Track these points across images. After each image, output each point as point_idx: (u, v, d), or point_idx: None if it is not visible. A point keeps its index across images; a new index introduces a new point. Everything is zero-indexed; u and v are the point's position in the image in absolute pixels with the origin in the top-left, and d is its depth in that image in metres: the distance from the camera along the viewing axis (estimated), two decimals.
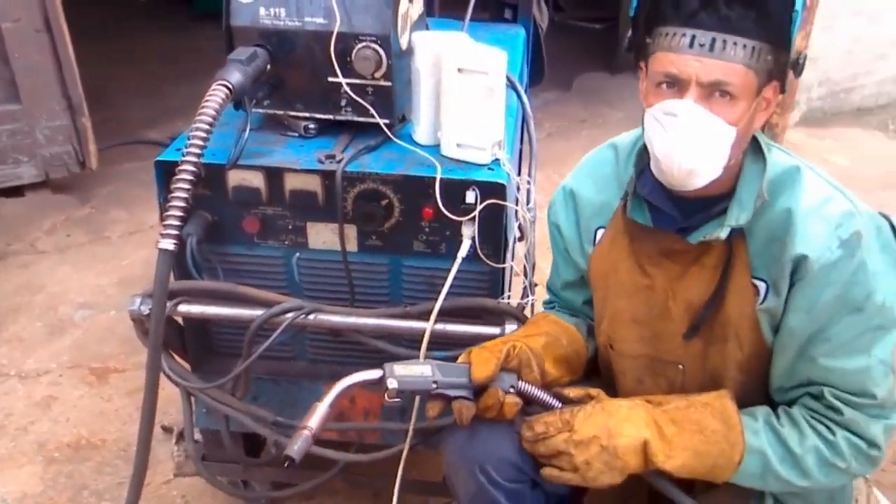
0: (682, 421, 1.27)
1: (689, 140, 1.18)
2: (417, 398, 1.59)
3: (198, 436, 1.89)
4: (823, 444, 1.27)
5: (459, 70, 1.52)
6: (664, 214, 1.35)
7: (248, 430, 1.77)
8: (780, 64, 1.19)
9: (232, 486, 2.01)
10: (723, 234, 1.26)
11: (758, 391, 1.37)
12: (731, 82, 1.16)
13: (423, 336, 1.58)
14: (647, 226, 1.37)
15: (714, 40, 1.14)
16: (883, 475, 2.17)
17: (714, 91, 1.16)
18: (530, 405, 1.35)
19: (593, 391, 1.35)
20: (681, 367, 1.39)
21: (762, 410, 1.32)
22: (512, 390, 1.31)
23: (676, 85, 1.18)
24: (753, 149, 1.29)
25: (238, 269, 1.72)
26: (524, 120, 1.98)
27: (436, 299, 1.57)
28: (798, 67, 1.23)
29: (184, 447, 2.15)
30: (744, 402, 1.35)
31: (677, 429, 1.27)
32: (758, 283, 1.29)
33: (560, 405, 1.33)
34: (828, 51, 4.75)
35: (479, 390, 1.32)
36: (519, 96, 1.93)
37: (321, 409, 1.28)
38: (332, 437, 1.79)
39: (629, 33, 1.30)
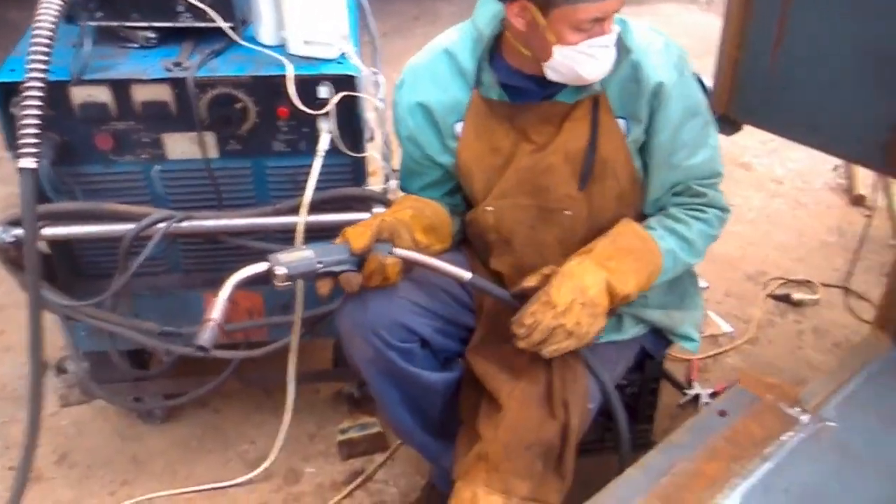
0: (616, 253, 1.51)
1: (611, 58, 1.46)
2: (300, 288, 1.70)
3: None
4: (703, 224, 1.60)
5: None
6: (523, 90, 1.53)
7: (135, 346, 1.83)
8: None
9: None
10: (597, 87, 1.50)
11: (632, 215, 1.62)
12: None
13: (296, 230, 1.67)
14: (512, 103, 1.55)
15: None
16: None
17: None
18: (410, 269, 1.51)
19: (547, 269, 1.52)
20: (568, 212, 1.59)
21: (654, 220, 1.60)
22: (390, 255, 1.45)
23: (597, 22, 1.39)
24: None
25: (96, 188, 1.72)
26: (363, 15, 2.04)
27: (303, 195, 1.66)
28: None
29: (65, 378, 2.17)
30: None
31: (617, 261, 1.50)
32: (620, 121, 1.54)
33: (437, 263, 1.48)
34: None
35: (360, 261, 1.44)
36: None
37: (220, 302, 1.36)
38: (220, 340, 1.88)
39: None
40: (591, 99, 1.51)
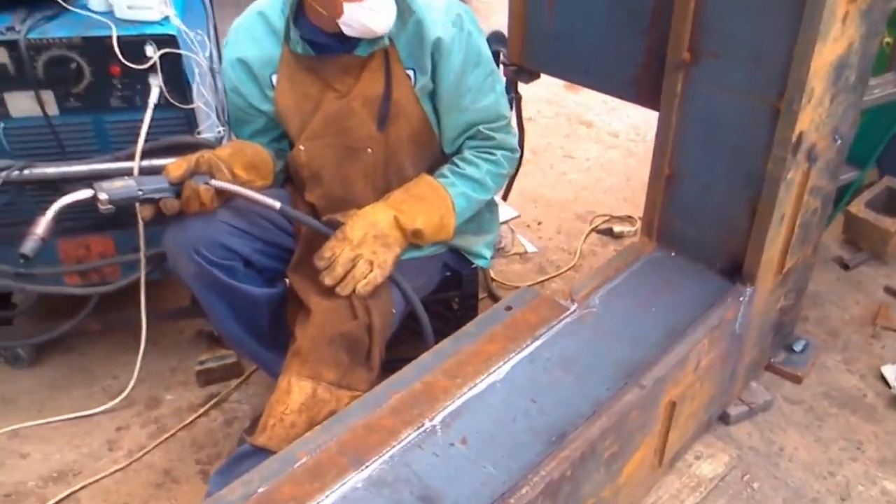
0: (408, 199, 1.81)
1: (393, 12, 1.73)
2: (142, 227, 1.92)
3: None
4: (491, 165, 1.90)
5: None
6: (325, 45, 1.79)
7: None
8: None
9: None
10: (386, 42, 1.77)
11: (428, 154, 1.92)
12: None
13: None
14: (316, 56, 1.80)
15: None
16: None
17: None
18: (228, 199, 1.75)
19: (351, 212, 1.80)
20: (369, 150, 1.86)
21: (447, 168, 1.89)
22: (206, 185, 1.69)
23: None
24: None
25: None
26: None
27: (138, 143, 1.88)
28: None
29: None
30: (420, 165, 1.91)
31: (408, 204, 1.80)
32: (409, 71, 1.81)
33: (249, 192, 1.73)
34: None
35: (179, 190, 1.68)
36: None
37: (44, 220, 1.57)
38: (76, 282, 2.08)
39: None
40: (383, 52, 1.78)
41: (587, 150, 3.55)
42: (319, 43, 1.80)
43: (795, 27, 1.57)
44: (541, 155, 3.45)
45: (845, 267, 2.72)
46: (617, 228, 2.95)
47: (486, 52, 1.88)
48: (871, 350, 2.38)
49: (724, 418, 2.12)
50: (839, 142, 1.91)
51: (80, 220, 2.04)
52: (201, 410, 2.15)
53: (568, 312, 1.82)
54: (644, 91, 1.98)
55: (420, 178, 1.87)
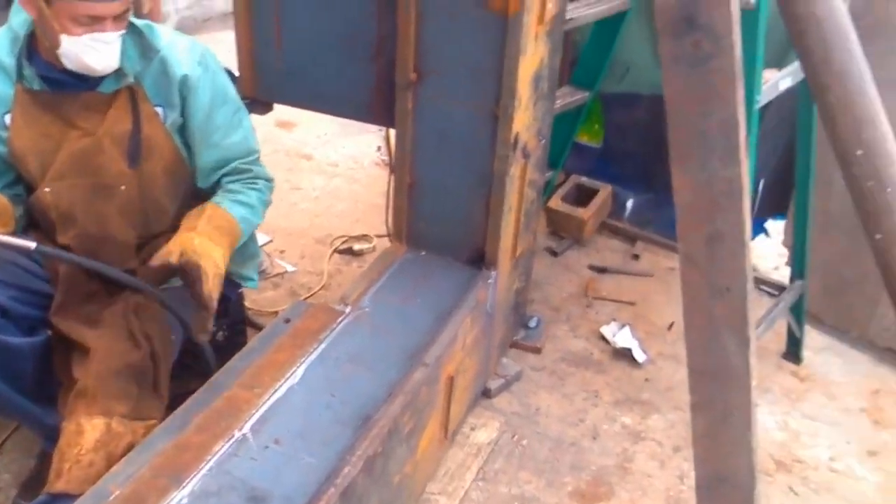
0: (215, 231, 1.85)
1: (114, 53, 1.74)
2: None
3: None
4: (257, 192, 2.01)
5: None
6: (63, 82, 1.78)
7: None
8: None
9: None
10: (130, 80, 1.79)
11: (183, 188, 1.96)
12: (128, 9, 1.73)
13: None
14: (55, 93, 1.77)
15: None
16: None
17: (118, 17, 1.70)
18: None
19: (175, 246, 1.77)
20: (122, 187, 1.85)
21: (220, 196, 1.95)
22: None
23: (95, 20, 1.66)
24: None
25: None
26: None
27: None
28: None
29: None
30: (176, 199, 1.96)
31: (218, 236, 1.85)
32: (157, 108, 1.85)
33: (4, 238, 1.65)
34: None
35: None
36: None
37: None
38: None
39: None
40: (128, 90, 1.81)
41: (312, 180, 3.74)
42: (56, 79, 1.78)
43: (502, 45, 1.92)
44: None
45: (554, 254, 3.21)
46: (356, 246, 3.16)
47: (232, 90, 1.99)
48: (588, 317, 2.86)
49: (486, 393, 2.41)
50: (543, 140, 2.32)
51: None
52: None
53: (344, 315, 1.98)
54: (379, 111, 2.22)
55: (213, 208, 1.91)
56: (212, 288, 1.76)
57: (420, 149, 2.16)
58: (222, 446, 1.55)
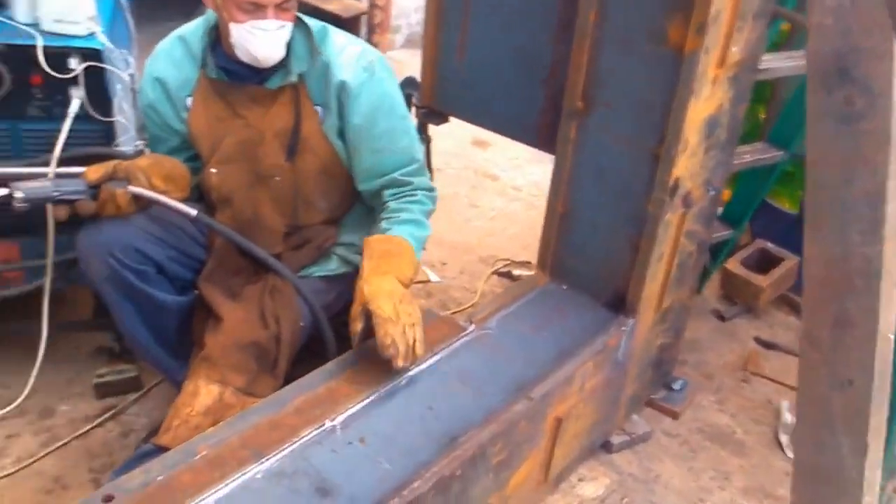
0: (381, 262, 1.81)
1: (276, 43, 1.82)
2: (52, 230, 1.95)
3: None
4: (418, 205, 1.98)
5: None
6: (238, 73, 1.91)
7: None
8: None
9: None
10: (294, 78, 1.88)
11: (336, 188, 2.03)
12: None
13: None
14: (230, 83, 1.91)
15: None
16: None
17: (281, 7, 1.79)
18: (145, 206, 1.84)
19: (357, 306, 1.75)
20: (277, 178, 1.97)
21: (385, 222, 1.93)
22: (122, 188, 1.77)
23: (258, 7, 1.77)
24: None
25: None
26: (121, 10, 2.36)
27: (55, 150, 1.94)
28: None
29: None
30: (329, 197, 2.02)
31: (386, 264, 1.81)
32: (318, 108, 1.93)
33: (166, 200, 1.81)
34: None
35: (95, 193, 1.75)
36: None
37: None
38: None
39: None
40: (293, 87, 1.91)
41: (492, 200, 3.77)
42: (232, 70, 1.92)
43: (674, 84, 1.81)
44: (447, 203, 3.63)
45: (721, 318, 2.98)
46: (516, 272, 3.13)
47: (399, 98, 2.02)
48: (741, 392, 2.62)
49: (606, 446, 2.28)
50: (712, 192, 2.16)
51: None
52: (97, 421, 2.15)
53: (466, 332, 1.97)
54: (543, 136, 2.19)
55: (375, 240, 1.87)
56: (391, 333, 1.69)
57: (576, 179, 2.10)
58: (310, 432, 1.59)
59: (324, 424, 1.61)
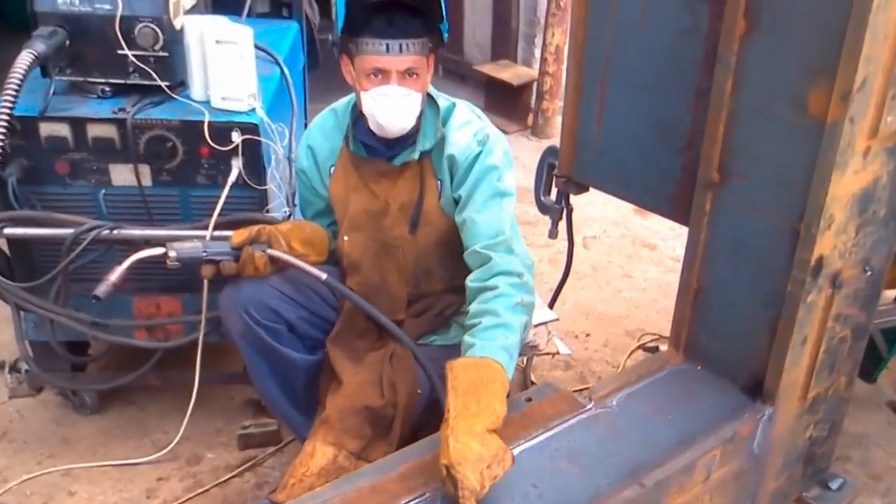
0: (468, 400, 1.61)
1: (399, 110, 1.89)
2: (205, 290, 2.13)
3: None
4: (501, 300, 1.79)
5: (217, 42, 2.09)
6: (374, 148, 2.01)
7: (73, 337, 2.25)
8: (435, 43, 1.92)
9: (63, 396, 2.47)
10: (416, 156, 1.95)
11: (455, 259, 2.02)
12: (414, 66, 1.86)
13: None
14: (365, 157, 2.02)
15: (400, 45, 1.83)
16: None
17: (406, 74, 1.85)
18: (282, 269, 1.95)
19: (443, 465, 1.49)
20: (401, 249, 2.03)
21: (469, 336, 1.76)
22: (261, 251, 1.90)
23: (382, 74, 1.84)
24: (428, 97, 1.98)
25: (54, 205, 2.19)
26: (287, 86, 2.57)
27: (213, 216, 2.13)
28: (443, 43, 1.96)
29: (16, 376, 2.57)
30: (448, 267, 2.03)
31: (474, 403, 1.60)
32: (438, 181, 1.99)
33: (299, 263, 1.92)
34: None
35: (238, 255, 1.90)
36: (280, 68, 2.53)
37: (119, 269, 1.82)
38: (144, 337, 2.30)
39: (330, 38, 1.93)
40: (417, 163, 1.97)
41: (646, 271, 3.63)
42: (368, 145, 2.02)
43: (815, 156, 1.68)
44: (599, 272, 3.55)
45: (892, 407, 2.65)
46: (664, 348, 2.97)
47: (506, 176, 1.96)
48: None
49: None
50: (870, 273, 1.95)
51: (155, 280, 2.28)
52: (237, 471, 2.29)
53: (584, 409, 1.88)
54: (679, 207, 2.09)
55: (456, 367, 1.69)
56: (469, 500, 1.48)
57: (711, 254, 1.97)
58: (409, 499, 1.58)
59: (424, 494, 1.60)
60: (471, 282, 1.89)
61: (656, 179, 2.14)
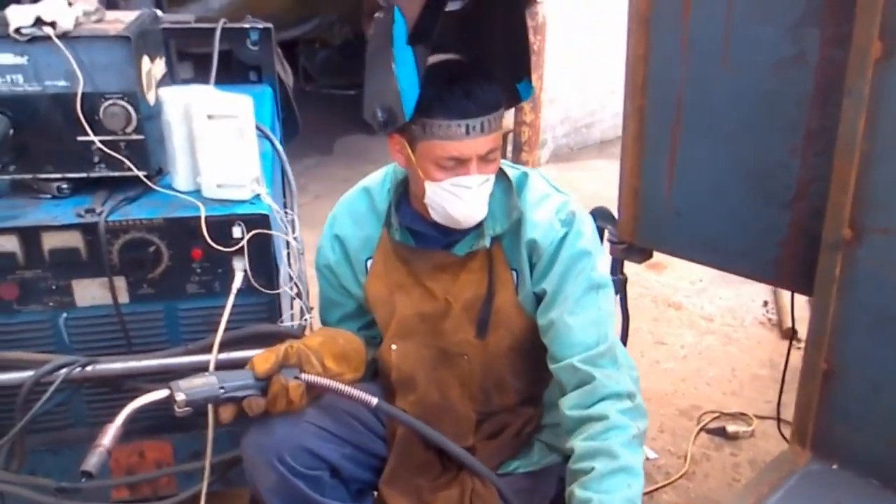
0: None
1: (480, 202, 1.55)
2: (211, 427, 1.72)
3: None
4: (619, 433, 1.47)
5: (209, 116, 1.74)
6: (427, 236, 1.67)
7: None
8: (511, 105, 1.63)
9: None
10: (486, 242, 1.61)
11: (534, 364, 1.68)
12: (496, 147, 1.55)
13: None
14: (414, 247, 1.68)
15: (482, 124, 1.50)
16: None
17: (485, 157, 1.53)
18: (318, 395, 1.58)
19: None
20: (466, 357, 1.68)
21: (585, 484, 1.45)
22: (295, 379, 1.52)
23: (460, 161, 1.51)
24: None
25: None
26: (281, 163, 2.22)
27: (216, 333, 1.74)
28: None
29: None
30: (523, 377, 1.70)
31: None
32: (513, 272, 1.64)
33: (347, 389, 1.54)
34: (565, 91, 5.54)
35: (265, 387, 1.51)
36: (271, 142, 2.18)
37: (113, 428, 1.40)
38: (124, 496, 1.87)
39: (379, 115, 1.51)
40: (486, 252, 1.63)
41: (680, 335, 3.36)
42: (419, 232, 1.68)
43: None
44: (629, 341, 3.25)
45: None
46: (731, 428, 2.69)
47: (599, 261, 1.64)
48: None
49: None
50: None
51: (135, 421, 1.85)
52: None
53: None
54: (788, 272, 1.83)
55: None
56: None
57: (846, 328, 1.70)
58: None
59: None
60: (569, 409, 1.55)
61: (754, 240, 1.88)
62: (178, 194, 1.82)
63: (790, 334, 3.23)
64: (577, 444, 1.50)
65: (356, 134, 5.83)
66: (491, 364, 1.68)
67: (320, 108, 6.06)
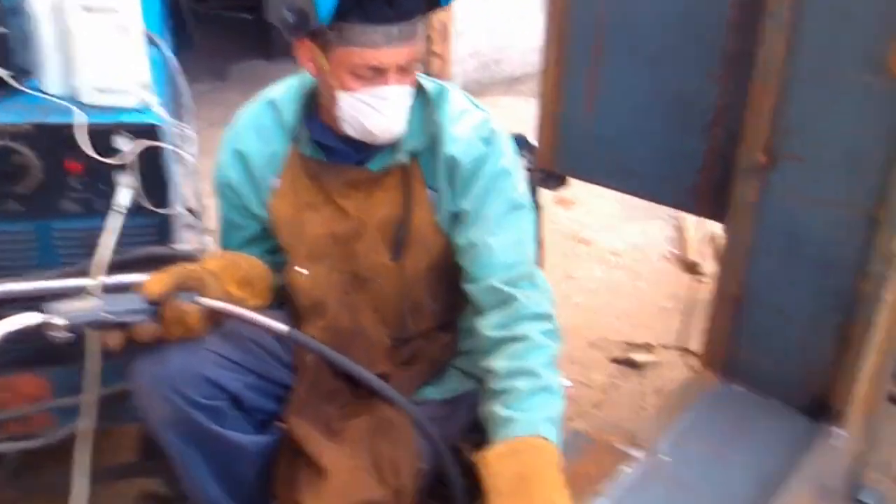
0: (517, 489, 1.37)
1: (398, 114, 1.48)
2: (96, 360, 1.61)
3: None
4: (539, 353, 1.46)
5: (86, 9, 1.58)
6: (339, 150, 1.57)
7: None
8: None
9: None
10: (404, 158, 1.53)
11: (451, 286, 1.62)
12: (417, 57, 1.45)
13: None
14: (325, 162, 1.58)
15: (400, 30, 1.39)
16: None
17: (404, 67, 1.44)
18: (219, 322, 1.48)
19: None
20: (379, 280, 1.61)
21: (497, 405, 1.45)
22: (192, 304, 1.41)
23: (378, 71, 1.41)
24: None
25: None
26: (173, 75, 2.06)
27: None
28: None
29: None
30: (434, 295, 1.64)
31: (534, 495, 1.36)
32: (430, 192, 1.57)
33: (254, 315, 1.45)
34: (475, 25, 5.44)
35: (158, 311, 1.40)
36: (160, 49, 2.01)
37: None
38: None
39: (289, 17, 1.39)
40: (402, 169, 1.56)
41: (590, 270, 3.40)
42: (330, 147, 1.59)
43: None
44: None
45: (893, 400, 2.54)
46: (638, 357, 2.75)
47: (520, 180, 1.60)
48: None
49: None
50: None
51: (2, 353, 1.71)
52: None
53: (634, 462, 1.58)
54: (704, 199, 1.84)
55: (491, 460, 1.41)
56: None
57: (758, 254, 1.72)
58: None
59: None
60: (489, 329, 1.51)
61: (671, 167, 1.88)
62: (51, 98, 1.65)
63: (693, 268, 3.38)
64: (498, 363, 1.48)
65: (253, 59, 5.60)
66: (407, 287, 1.62)
67: (214, 31, 5.75)
